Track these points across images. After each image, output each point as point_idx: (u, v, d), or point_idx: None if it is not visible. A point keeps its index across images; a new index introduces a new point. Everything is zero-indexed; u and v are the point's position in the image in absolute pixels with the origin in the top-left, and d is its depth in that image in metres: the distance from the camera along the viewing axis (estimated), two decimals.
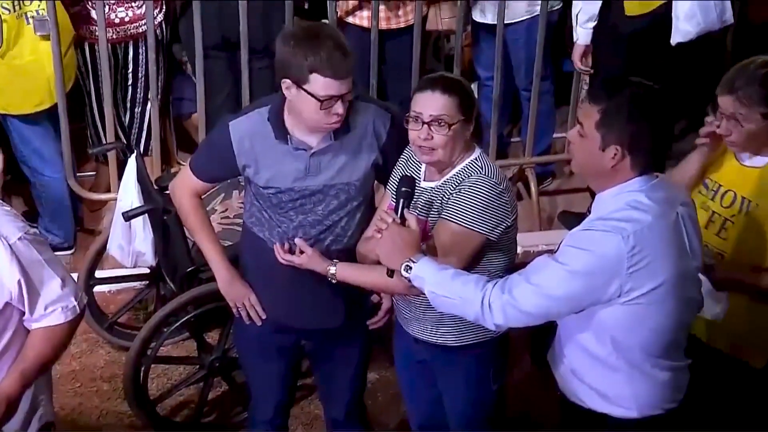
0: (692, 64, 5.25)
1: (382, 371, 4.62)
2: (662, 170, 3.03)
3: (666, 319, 2.93)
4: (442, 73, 3.49)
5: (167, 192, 3.84)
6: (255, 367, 3.87)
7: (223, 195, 4.68)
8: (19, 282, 2.93)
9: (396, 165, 3.44)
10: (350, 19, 5.34)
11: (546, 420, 4.28)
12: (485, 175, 3.25)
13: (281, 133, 3.37)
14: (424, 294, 3.05)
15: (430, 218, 3.29)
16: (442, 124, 3.20)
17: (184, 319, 4.28)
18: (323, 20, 5.14)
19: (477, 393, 3.53)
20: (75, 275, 4.27)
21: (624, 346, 2.96)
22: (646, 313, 2.89)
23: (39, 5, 4.85)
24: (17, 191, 5.54)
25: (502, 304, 2.91)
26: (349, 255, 3.46)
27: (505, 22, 5.30)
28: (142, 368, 4.27)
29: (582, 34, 5.14)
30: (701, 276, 3.19)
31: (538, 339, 3.57)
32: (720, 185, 3.51)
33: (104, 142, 5.25)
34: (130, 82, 5.37)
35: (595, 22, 5.10)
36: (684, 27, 5.00)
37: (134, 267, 4.66)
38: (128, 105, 5.43)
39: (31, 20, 4.86)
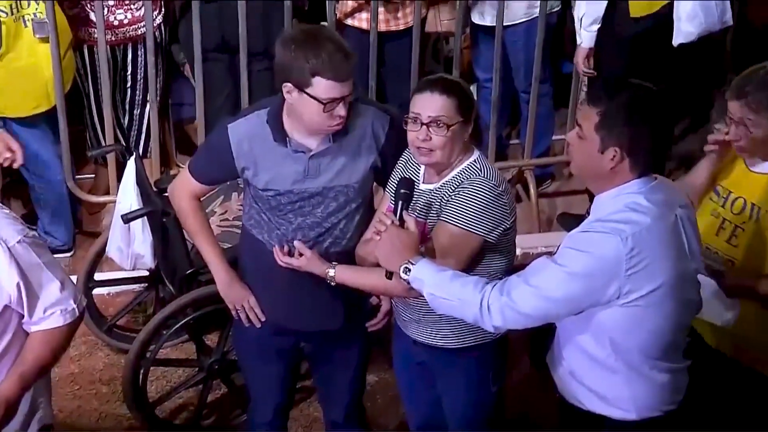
0: (693, 65, 5.26)
1: (381, 373, 4.62)
2: (662, 172, 3.03)
3: (665, 320, 2.93)
4: (441, 75, 3.50)
5: (166, 194, 3.83)
6: (254, 370, 3.87)
7: (222, 197, 4.68)
8: (18, 285, 2.93)
9: (395, 167, 3.44)
10: (349, 21, 5.35)
11: (545, 422, 4.27)
12: (484, 177, 3.25)
13: (280, 135, 3.37)
14: (423, 296, 3.05)
15: (429, 220, 3.30)
16: (441, 125, 3.20)
17: (183, 321, 4.27)
18: (322, 22, 5.14)
19: (476, 395, 3.53)
20: (74, 277, 4.27)
21: (623, 348, 2.96)
22: (645, 314, 2.89)
23: (37, 8, 4.85)
24: (16, 193, 5.53)
25: (501, 306, 2.91)
26: (348, 257, 3.46)
27: (504, 24, 5.30)
28: (141, 371, 4.27)
29: (586, 37, 5.13)
30: (707, 280, 3.20)
31: (537, 341, 3.57)
32: (730, 192, 3.50)
33: (103, 144, 5.25)
34: (129, 84, 5.37)
35: (599, 25, 5.10)
36: (686, 28, 5.00)
37: (133, 269, 4.65)
38: (127, 107, 5.43)
39: (28, 23, 4.86)
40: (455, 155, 3.27)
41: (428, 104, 3.22)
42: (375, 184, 3.56)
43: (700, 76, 5.43)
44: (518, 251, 3.66)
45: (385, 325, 3.68)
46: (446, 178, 3.29)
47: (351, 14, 5.34)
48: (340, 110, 3.27)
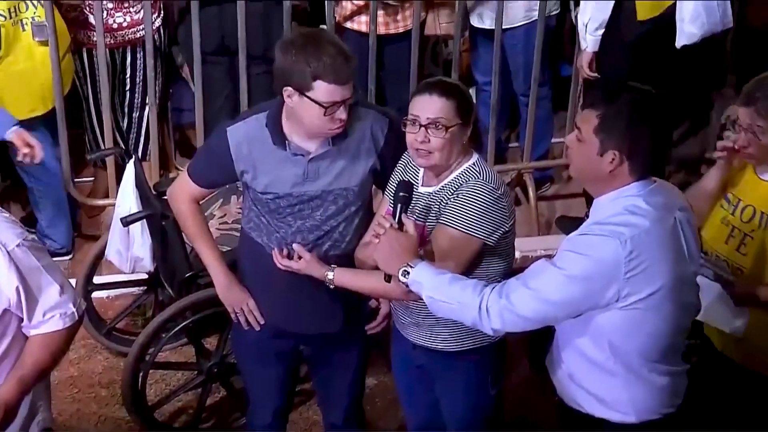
0: (694, 67, 5.25)
1: (380, 376, 4.62)
2: (661, 175, 3.04)
3: (663, 323, 2.93)
4: (440, 78, 3.50)
5: (165, 197, 3.83)
6: (253, 373, 3.87)
7: (221, 200, 4.67)
8: (17, 289, 2.93)
9: (394, 170, 3.44)
10: (348, 24, 5.35)
11: (544, 425, 4.28)
12: (483, 179, 3.25)
13: (279, 138, 3.37)
14: (422, 299, 3.05)
15: (427, 223, 3.30)
16: (439, 126, 3.20)
17: (183, 324, 4.28)
18: (321, 26, 5.14)
19: (475, 398, 3.53)
20: (73, 281, 4.27)
21: (622, 351, 2.96)
22: (644, 317, 2.89)
23: (35, 12, 4.85)
24: (15, 197, 5.53)
25: (500, 309, 2.91)
26: (347, 260, 3.46)
27: (503, 27, 5.30)
28: (141, 374, 4.27)
29: (591, 41, 5.12)
30: (712, 283, 3.19)
31: (537, 344, 3.57)
32: (740, 200, 3.50)
33: (102, 147, 5.25)
34: (128, 87, 5.37)
35: (604, 29, 5.10)
36: (689, 29, 5.00)
37: (132, 272, 4.66)
38: (126, 110, 5.43)
39: (27, 27, 4.86)
40: (454, 158, 3.27)
41: (427, 106, 3.22)
42: (374, 187, 3.56)
43: (700, 78, 5.43)
44: (517, 254, 3.66)
45: (385, 328, 3.68)
46: (445, 181, 3.29)
47: (350, 17, 5.34)
48: (341, 113, 3.27)
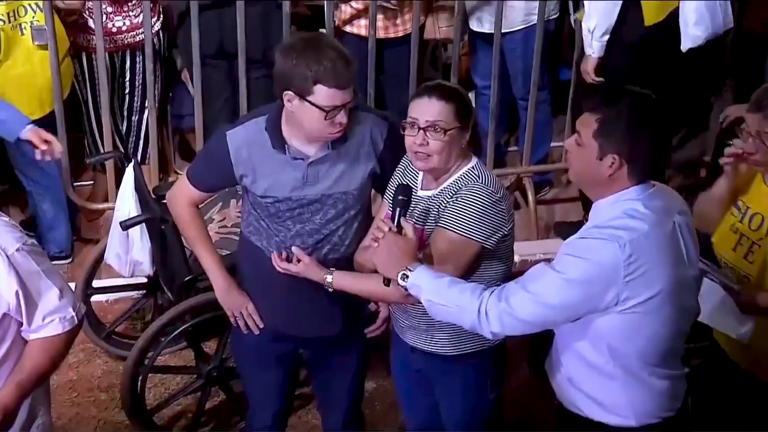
0: (696, 70, 5.26)
1: (379, 380, 4.62)
2: (661, 179, 3.04)
3: (663, 327, 2.93)
4: (439, 81, 3.50)
5: (165, 201, 3.83)
6: (253, 376, 3.87)
7: (220, 204, 4.68)
8: (17, 293, 2.92)
9: (393, 174, 3.44)
10: (348, 28, 5.35)
11: (544, 428, 4.27)
12: (482, 183, 3.25)
13: (279, 142, 3.38)
14: (421, 303, 3.05)
15: (426, 227, 3.30)
16: (438, 129, 3.20)
17: (182, 328, 4.28)
18: (320, 29, 5.15)
19: (474, 401, 3.53)
20: (72, 285, 4.26)
21: (621, 354, 2.96)
22: (643, 321, 2.89)
23: (33, 16, 4.86)
24: (14, 200, 5.54)
25: (499, 312, 2.91)
26: (346, 264, 3.46)
27: (502, 31, 5.31)
28: (140, 378, 4.27)
29: (597, 47, 5.12)
30: (715, 286, 3.19)
31: (536, 347, 3.57)
32: (748, 207, 3.49)
33: (102, 151, 5.25)
34: (127, 90, 5.38)
35: (609, 35, 5.10)
36: (694, 32, 5.00)
37: (132, 276, 4.65)
38: (125, 114, 5.44)
39: (26, 31, 4.87)
40: (453, 161, 3.27)
41: (426, 109, 3.22)
42: (373, 191, 3.56)
43: (701, 81, 5.44)
44: (516, 258, 3.66)
45: (384, 331, 3.68)
46: (444, 185, 3.29)
47: (350, 21, 5.34)
48: (341, 117, 3.27)
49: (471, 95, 5.58)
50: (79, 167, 5.60)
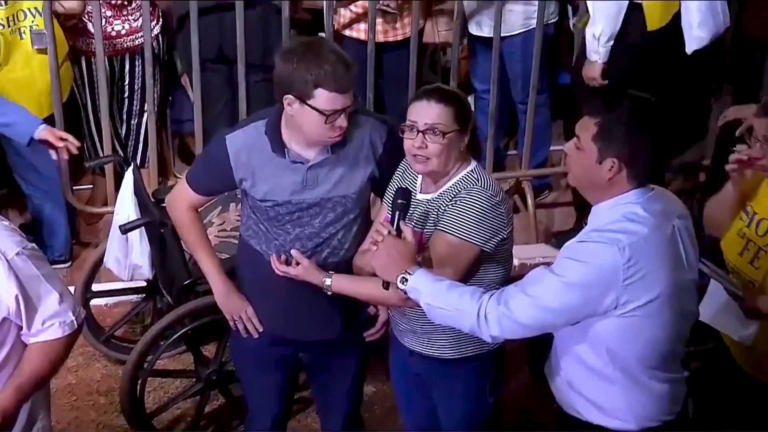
0: (698, 72, 5.26)
1: (379, 384, 4.62)
2: (660, 182, 3.03)
3: (662, 331, 2.92)
4: (438, 84, 3.50)
5: (164, 205, 3.83)
6: (252, 380, 3.87)
7: (220, 208, 4.68)
8: (16, 297, 2.92)
9: (392, 177, 3.44)
10: (347, 32, 5.36)
11: None
12: (481, 186, 3.25)
13: (278, 146, 3.38)
14: (420, 306, 3.05)
15: (426, 230, 3.30)
16: (437, 132, 3.20)
17: (181, 332, 4.27)
18: (320, 33, 5.15)
19: (473, 405, 3.53)
20: (71, 288, 4.27)
21: (620, 358, 2.96)
22: (642, 325, 2.89)
23: (33, 20, 4.87)
24: (13, 204, 5.54)
25: (498, 316, 2.91)
26: (346, 267, 3.46)
27: (502, 35, 5.31)
28: (139, 382, 4.26)
29: (602, 53, 5.11)
30: (717, 287, 3.18)
31: (536, 351, 3.57)
32: (756, 213, 3.49)
33: (101, 155, 5.25)
34: (126, 94, 5.38)
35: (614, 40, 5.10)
36: (698, 34, 5.00)
37: (131, 280, 4.65)
38: (125, 117, 5.44)
39: (25, 35, 4.87)
40: (452, 164, 3.27)
41: (425, 112, 3.22)
42: (372, 194, 3.56)
43: (701, 84, 5.44)
44: (516, 262, 3.66)
45: (383, 334, 3.68)
46: (443, 188, 3.29)
47: (349, 25, 5.35)
48: (341, 121, 3.27)
49: (470, 99, 5.59)
50: (79, 171, 5.61)
